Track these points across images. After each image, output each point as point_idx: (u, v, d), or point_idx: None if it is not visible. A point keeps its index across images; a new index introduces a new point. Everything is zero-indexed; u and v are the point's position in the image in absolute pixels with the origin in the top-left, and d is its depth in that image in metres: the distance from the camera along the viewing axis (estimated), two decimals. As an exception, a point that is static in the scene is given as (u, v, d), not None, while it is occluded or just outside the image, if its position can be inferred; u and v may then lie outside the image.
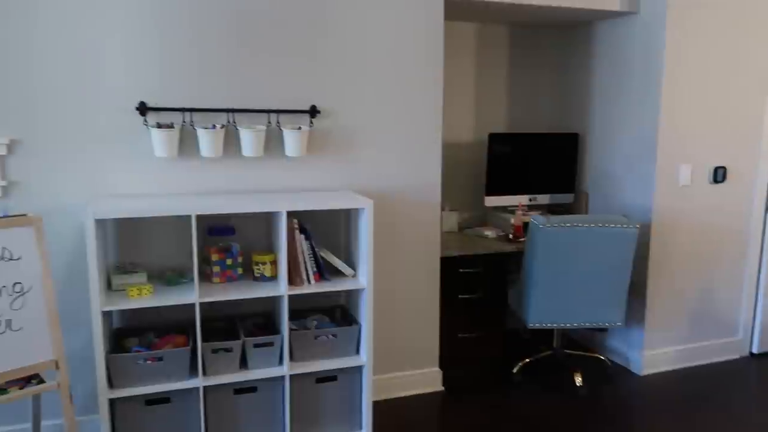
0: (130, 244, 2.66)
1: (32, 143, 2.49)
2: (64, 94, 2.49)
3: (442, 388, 3.25)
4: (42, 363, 2.20)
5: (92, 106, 2.54)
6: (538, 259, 3.03)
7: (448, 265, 3.26)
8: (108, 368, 2.37)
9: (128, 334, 2.63)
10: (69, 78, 2.49)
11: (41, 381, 2.24)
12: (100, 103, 2.54)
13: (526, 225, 3.54)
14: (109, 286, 2.54)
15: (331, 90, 2.86)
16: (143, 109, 2.60)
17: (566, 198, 3.91)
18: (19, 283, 2.18)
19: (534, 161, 3.80)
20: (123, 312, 2.69)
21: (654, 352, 3.51)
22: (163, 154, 2.57)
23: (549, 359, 3.60)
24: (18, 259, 2.18)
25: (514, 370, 3.39)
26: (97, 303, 2.29)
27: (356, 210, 2.72)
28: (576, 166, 3.89)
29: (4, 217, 2.18)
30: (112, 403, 2.41)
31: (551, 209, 3.92)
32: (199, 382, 2.47)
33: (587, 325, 3.16)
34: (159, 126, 2.55)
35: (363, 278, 2.67)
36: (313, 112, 2.84)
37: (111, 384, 2.39)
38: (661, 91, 3.26)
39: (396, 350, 3.17)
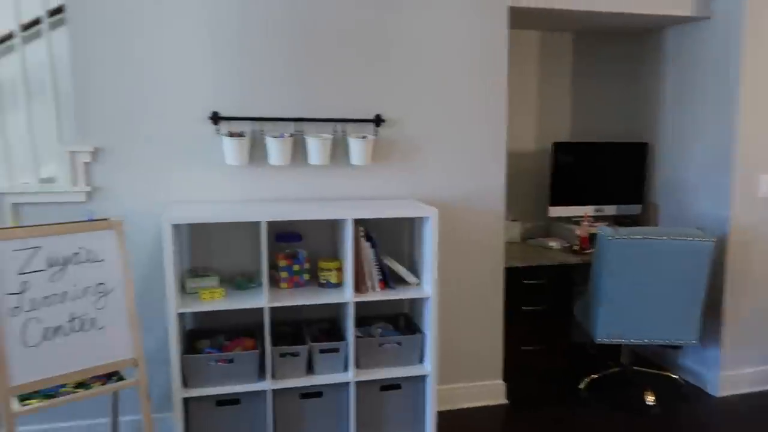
0: (203, 248, 2.75)
1: (114, 151, 2.62)
2: (143, 105, 2.62)
3: (506, 401, 3.20)
4: (122, 361, 2.30)
5: (169, 117, 2.65)
6: (606, 272, 2.95)
7: (511, 275, 3.22)
8: (182, 368, 2.45)
9: (200, 335, 2.71)
10: (148, 90, 2.61)
11: (121, 378, 2.34)
12: (177, 114, 2.66)
13: (592, 236, 3.45)
14: (183, 288, 2.63)
15: (396, 99, 2.89)
16: (216, 118, 2.69)
17: (634, 209, 3.79)
18: (102, 284, 2.29)
19: (600, 171, 3.71)
20: (195, 314, 2.78)
21: (732, 373, 3.33)
22: (234, 162, 2.65)
23: (617, 376, 3.48)
24: (101, 261, 2.30)
25: (581, 386, 3.29)
26: (174, 305, 2.38)
27: (421, 218, 2.73)
28: (644, 175, 3.78)
29: (90, 221, 2.31)
30: (186, 402, 2.48)
31: (618, 220, 3.81)
32: (267, 385, 2.51)
33: (659, 342, 3.04)
34: (230, 135, 2.64)
35: (427, 287, 2.67)
36: (378, 121, 2.88)
37: (185, 383, 2.47)
38: (739, 97, 3.12)
39: (459, 361, 3.13)
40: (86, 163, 2.59)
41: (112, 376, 2.34)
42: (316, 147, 2.72)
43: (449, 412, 3.09)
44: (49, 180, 2.67)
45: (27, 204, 2.57)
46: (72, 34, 2.52)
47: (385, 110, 2.89)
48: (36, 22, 2.97)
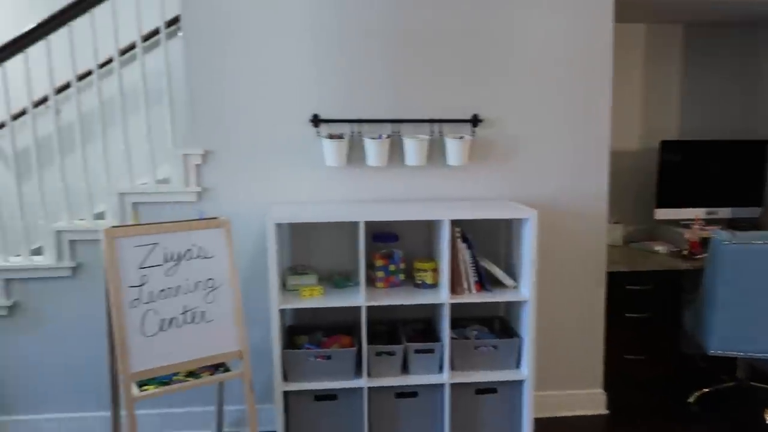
0: (303, 247, 2.84)
1: (222, 154, 2.76)
2: (249, 111, 2.74)
3: (607, 412, 3.06)
4: (229, 353, 2.42)
5: (273, 121, 2.76)
6: (720, 280, 2.75)
7: (613, 280, 3.08)
8: (283, 363, 2.54)
9: (299, 332, 2.80)
10: (254, 96, 2.73)
11: (227, 369, 2.46)
12: (280, 118, 2.76)
13: (703, 241, 3.23)
14: (283, 286, 2.72)
15: (494, 98, 2.84)
16: (316, 121, 2.77)
17: (752, 212, 3.51)
18: (212, 279, 2.42)
19: (713, 171, 3.46)
20: (294, 310, 2.88)
21: None
22: (333, 164, 2.72)
23: (732, 391, 3.24)
24: (211, 257, 2.43)
25: (691, 400, 3.09)
26: (276, 301, 2.47)
27: (519, 220, 2.67)
28: (764, 176, 3.48)
29: (201, 219, 2.44)
30: (286, 395, 2.57)
31: (733, 224, 3.54)
32: (363, 382, 2.56)
33: (781, 355, 2.80)
34: (330, 137, 2.71)
35: (525, 290, 2.61)
36: (475, 121, 2.84)
37: (285, 377, 2.56)
38: None
39: (557, 367, 3.04)
40: (197, 165, 2.75)
41: (219, 367, 2.47)
42: (413, 148, 2.73)
43: (546, 419, 3.01)
44: (164, 181, 2.85)
45: (144, 203, 2.76)
46: (186, 43, 2.68)
47: (483, 110, 2.85)
48: (155, 32, 3.19)
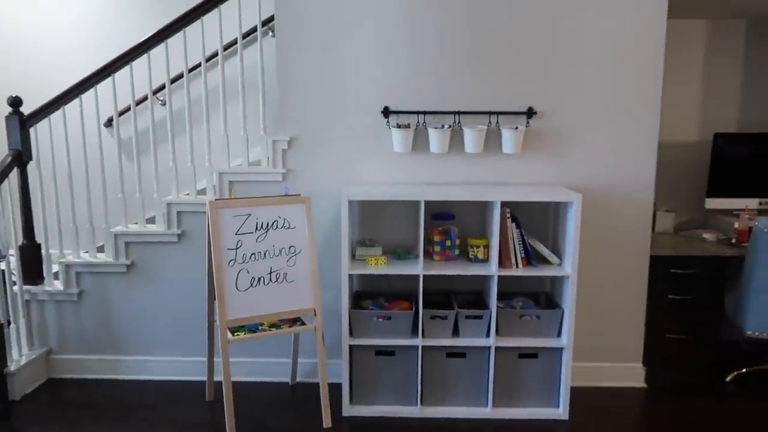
0: (371, 222, 3.24)
1: (304, 140, 3.19)
2: (328, 102, 3.15)
3: (645, 385, 3.29)
4: (305, 309, 2.86)
5: (348, 111, 3.16)
6: (759, 264, 2.91)
7: (658, 264, 3.28)
8: (350, 321, 2.96)
9: (365, 297, 3.21)
10: (332, 89, 3.14)
11: (303, 323, 2.91)
12: (354, 108, 3.15)
13: (752, 230, 3.36)
14: (353, 256, 3.13)
15: (548, 92, 3.11)
16: (387, 112, 3.14)
17: (806, 204, 3.59)
18: (293, 246, 2.87)
19: (766, 163, 3.56)
20: (361, 277, 3.29)
21: None
22: (400, 150, 3.09)
23: (771, 374, 3.38)
24: (294, 228, 2.87)
25: (728, 379, 3.27)
26: (347, 267, 2.88)
27: (565, 203, 2.94)
28: (821, 169, 3.55)
29: (286, 195, 2.89)
30: (351, 349, 2.99)
31: (786, 215, 3.63)
32: (418, 341, 2.93)
33: (820, 341, 2.94)
34: (398, 126, 3.08)
35: (568, 267, 2.89)
36: (530, 113, 3.12)
37: (351, 334, 2.98)
38: None
39: (599, 341, 3.30)
40: (284, 150, 3.20)
41: (296, 321, 2.92)
42: (472, 137, 3.05)
43: (587, 388, 3.27)
44: (256, 163, 3.32)
45: (239, 182, 3.24)
46: (278, 41, 3.12)
47: (538, 103, 3.13)
48: (253, 30, 3.65)
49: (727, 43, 3.73)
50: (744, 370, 3.30)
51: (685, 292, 3.33)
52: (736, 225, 3.44)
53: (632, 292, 3.25)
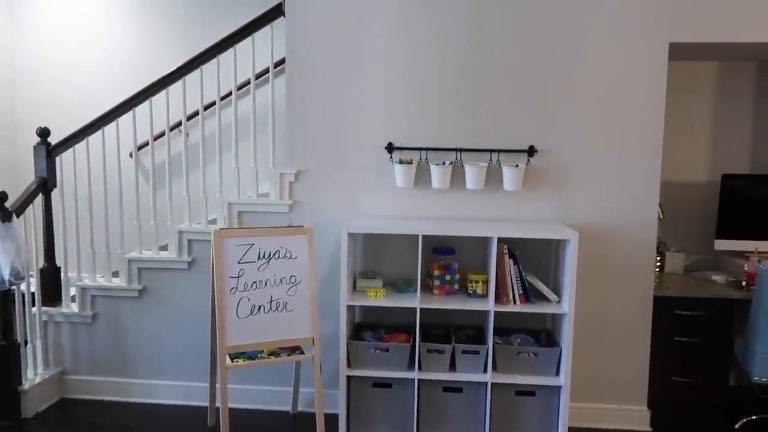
0: (373, 255, 3.30)
1: (311, 173, 3.30)
2: (334, 138, 3.27)
3: (650, 429, 3.21)
4: (304, 338, 2.92)
5: (354, 147, 3.26)
6: (763, 308, 2.86)
7: (663, 304, 3.24)
8: (348, 352, 3.00)
9: (365, 328, 3.25)
10: (338, 126, 3.26)
11: (302, 352, 2.97)
12: (360, 145, 3.26)
13: (762, 273, 3.30)
14: (354, 287, 3.19)
15: (549, 131, 3.16)
16: (390, 148, 3.24)
17: (821, 248, 3.50)
18: (294, 276, 2.94)
19: (779, 205, 3.51)
20: (362, 309, 3.34)
21: None
22: (403, 185, 3.17)
23: (783, 422, 3.26)
24: (295, 258, 2.96)
25: (737, 426, 3.17)
26: (345, 298, 2.94)
27: (564, 240, 2.96)
28: (836, 213, 3.48)
29: (289, 226, 2.99)
30: (349, 380, 3.02)
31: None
32: (415, 374, 2.95)
33: (831, 389, 2.84)
34: (401, 162, 3.16)
35: (566, 304, 2.88)
36: (531, 151, 3.18)
37: (349, 364, 3.02)
38: None
39: (602, 381, 3.25)
40: (291, 183, 3.31)
41: (295, 350, 2.98)
42: (473, 174, 3.11)
43: (589, 429, 3.22)
44: (264, 195, 3.44)
45: (247, 212, 3.36)
46: (288, 80, 3.27)
47: (539, 141, 3.18)
48: (266, 71, 3.83)
49: (738, 85, 3.73)
50: (754, 417, 3.19)
51: (691, 334, 3.27)
52: (746, 267, 3.38)
53: (636, 332, 3.21)
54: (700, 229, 3.78)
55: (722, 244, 3.57)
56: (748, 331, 3.04)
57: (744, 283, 3.37)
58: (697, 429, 3.22)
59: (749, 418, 3.19)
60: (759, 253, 3.47)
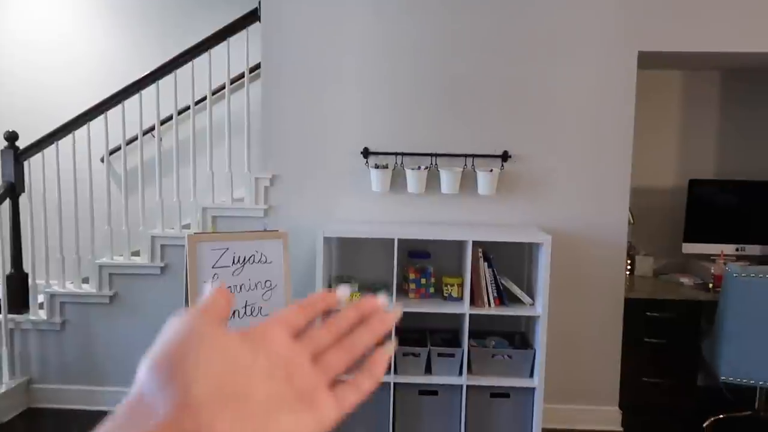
0: (349, 259, 3.30)
1: (286, 178, 3.30)
2: (309, 143, 3.27)
3: (621, 429, 3.27)
4: (279, 342, 2.90)
5: (329, 151, 3.27)
6: (730, 310, 2.94)
7: (634, 307, 3.31)
8: (324, 355, 2.98)
9: (341, 332, 3.24)
10: (314, 131, 3.26)
11: (277, 357, 2.94)
12: (335, 149, 3.27)
13: (728, 275, 3.40)
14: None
15: (523, 137, 3.22)
16: (366, 153, 3.25)
17: (783, 251, 3.62)
18: (269, 280, 2.93)
19: (743, 209, 3.62)
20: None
21: None
22: (378, 189, 3.18)
23: (748, 420, 3.34)
24: (270, 262, 2.94)
25: (705, 424, 3.24)
26: (320, 302, 2.93)
27: (537, 244, 3.00)
28: (797, 217, 3.60)
29: (264, 231, 2.97)
30: (325, 384, 3.00)
31: (763, 261, 3.66)
32: (391, 378, 2.95)
33: (794, 387, 2.93)
34: (377, 166, 3.18)
35: (539, 307, 2.93)
36: (505, 156, 3.22)
37: (325, 369, 3.00)
38: None
39: (574, 383, 3.30)
40: (266, 187, 3.30)
41: (271, 354, 2.95)
42: (448, 178, 3.14)
43: (562, 430, 3.26)
44: (239, 199, 3.42)
45: (222, 216, 3.34)
46: (264, 85, 3.26)
47: (513, 147, 3.23)
48: (240, 76, 3.82)
49: (703, 93, 3.84)
50: (721, 416, 3.27)
51: (661, 335, 3.34)
52: (713, 270, 3.47)
53: (608, 334, 3.27)
54: (669, 233, 3.88)
55: (690, 248, 3.66)
56: (714, 333, 3.12)
57: (711, 286, 3.45)
58: (667, 429, 3.29)
59: (717, 417, 3.27)
60: (725, 256, 3.57)
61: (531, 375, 2.97)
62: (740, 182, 3.64)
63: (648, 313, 3.33)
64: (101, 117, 3.34)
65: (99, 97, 3.45)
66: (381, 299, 0.46)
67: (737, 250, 3.64)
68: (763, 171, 3.84)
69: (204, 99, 3.77)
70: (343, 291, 0.46)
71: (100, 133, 3.43)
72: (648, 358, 3.35)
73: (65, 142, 3.37)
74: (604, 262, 3.24)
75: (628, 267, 3.73)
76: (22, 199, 3.40)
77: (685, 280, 3.57)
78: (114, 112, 3.35)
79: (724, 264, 3.45)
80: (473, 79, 3.20)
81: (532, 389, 2.95)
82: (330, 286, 3.19)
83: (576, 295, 3.27)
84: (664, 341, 3.33)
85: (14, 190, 3.34)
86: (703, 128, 3.86)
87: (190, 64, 3.30)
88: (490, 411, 2.98)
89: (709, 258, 3.70)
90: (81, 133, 3.39)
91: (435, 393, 2.99)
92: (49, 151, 3.38)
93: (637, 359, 3.35)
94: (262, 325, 0.43)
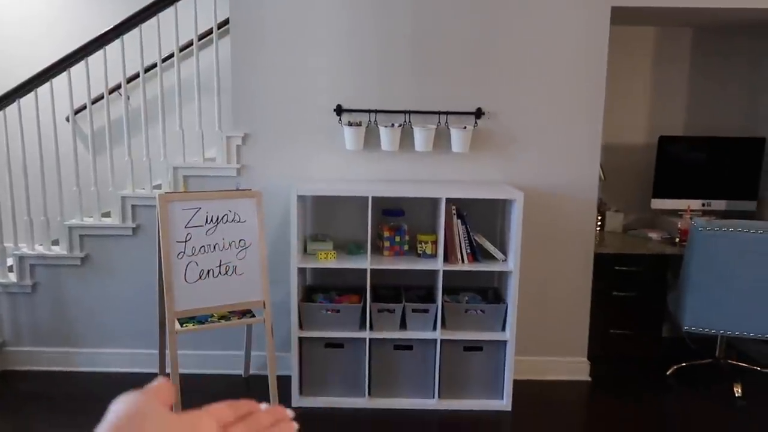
0: (323, 218, 3.30)
1: (258, 136, 3.25)
2: (282, 100, 3.22)
3: (589, 379, 3.39)
4: (255, 301, 2.91)
5: (302, 109, 3.22)
6: (694, 262, 3.03)
7: (603, 261, 3.39)
8: (300, 314, 3.02)
9: (316, 291, 3.27)
10: (286, 88, 3.20)
11: (252, 315, 2.96)
12: (308, 107, 3.22)
13: (694, 230, 3.49)
14: (305, 250, 3.20)
15: (496, 93, 3.21)
16: (339, 110, 3.22)
17: (747, 205, 3.72)
18: (243, 239, 2.92)
19: (710, 165, 3.70)
20: (314, 272, 3.35)
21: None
22: (352, 148, 3.16)
23: (709, 367, 3.49)
24: (244, 222, 2.92)
25: (668, 372, 3.38)
26: (295, 261, 2.95)
27: (509, 201, 3.04)
28: (760, 172, 3.69)
29: (237, 190, 2.94)
30: (301, 341, 3.05)
31: (728, 216, 3.76)
32: (366, 334, 3.00)
33: (753, 335, 3.05)
34: (350, 124, 3.15)
35: (511, 263, 2.98)
36: (479, 113, 3.22)
37: (301, 326, 3.04)
38: None
39: (545, 336, 3.39)
40: (238, 146, 3.25)
41: (246, 313, 2.97)
42: (422, 136, 3.13)
43: (532, 381, 3.36)
44: (211, 159, 3.37)
45: (194, 176, 3.29)
46: (233, 41, 3.18)
47: (486, 104, 3.22)
48: (209, 32, 3.71)
49: (675, 50, 3.86)
50: (683, 364, 3.41)
51: (629, 289, 3.44)
52: (679, 225, 3.56)
53: (578, 288, 3.35)
54: (639, 190, 3.95)
55: (658, 203, 3.74)
56: (679, 285, 3.22)
57: (677, 240, 3.55)
58: (633, 377, 3.42)
59: (679, 366, 3.41)
60: (691, 211, 3.66)
61: (503, 329, 3.05)
62: (708, 138, 3.71)
63: (617, 268, 3.42)
64: (64, 74, 3.22)
65: (62, 51, 3.32)
66: (290, 412, 0.58)
67: (703, 205, 3.73)
68: (731, 127, 3.91)
69: (172, 56, 3.67)
70: (266, 406, 0.57)
71: (64, 91, 3.32)
72: (616, 310, 3.46)
73: (27, 101, 3.26)
74: (575, 218, 3.30)
75: (599, 223, 3.80)
76: (-15, 160, 3.30)
77: (653, 234, 3.66)
78: (78, 69, 3.24)
79: (690, 218, 3.54)
80: (445, 35, 3.16)
81: (504, 342, 3.02)
82: (305, 245, 3.19)
83: (547, 250, 3.33)
84: (632, 294, 3.44)
85: (-24, 150, 3.24)
86: (673, 85, 3.89)
87: (155, 18, 3.19)
88: (463, 364, 3.06)
89: (676, 213, 3.79)
90: (44, 90, 3.27)
91: (410, 348, 3.05)
92: (11, 109, 3.26)
93: (606, 312, 3.45)
94: (198, 413, 0.52)
